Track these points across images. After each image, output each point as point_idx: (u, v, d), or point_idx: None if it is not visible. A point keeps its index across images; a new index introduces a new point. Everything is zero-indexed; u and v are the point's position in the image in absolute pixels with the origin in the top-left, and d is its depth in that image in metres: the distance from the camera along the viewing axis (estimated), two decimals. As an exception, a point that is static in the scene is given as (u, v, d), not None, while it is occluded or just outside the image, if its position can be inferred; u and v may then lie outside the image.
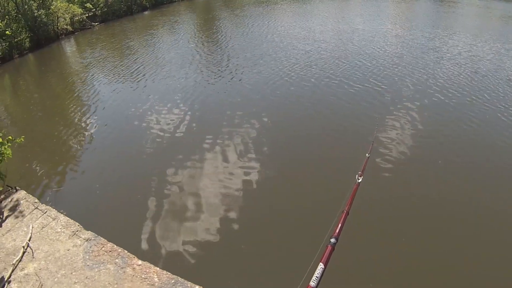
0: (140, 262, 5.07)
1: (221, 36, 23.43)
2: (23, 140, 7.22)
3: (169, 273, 4.88)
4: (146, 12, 36.28)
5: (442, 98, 11.90)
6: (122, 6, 33.62)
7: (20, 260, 5.06)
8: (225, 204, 7.42)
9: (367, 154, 4.74)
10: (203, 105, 12.35)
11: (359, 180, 3.91)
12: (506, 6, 32.93)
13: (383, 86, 12.88)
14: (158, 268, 4.98)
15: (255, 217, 7.08)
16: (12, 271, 4.86)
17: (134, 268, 4.94)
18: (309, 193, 7.63)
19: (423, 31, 22.07)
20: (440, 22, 25.67)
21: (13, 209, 6.20)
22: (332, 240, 2.92)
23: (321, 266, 2.66)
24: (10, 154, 6.82)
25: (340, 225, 3.12)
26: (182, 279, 4.77)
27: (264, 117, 11.00)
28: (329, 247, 2.85)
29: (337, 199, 4.25)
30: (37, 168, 9.23)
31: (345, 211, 3.30)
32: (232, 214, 7.13)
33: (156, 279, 4.76)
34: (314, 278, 2.57)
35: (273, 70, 15.22)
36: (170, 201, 7.58)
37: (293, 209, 7.18)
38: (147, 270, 4.92)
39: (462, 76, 13.92)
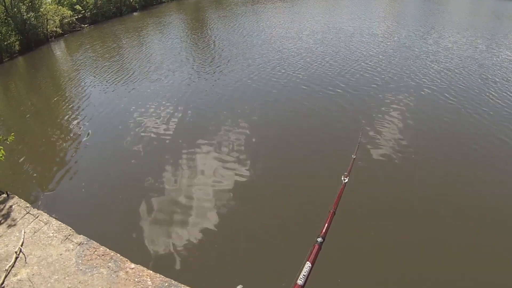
0: (133, 265, 5.11)
1: (205, 36, 23.72)
2: (13, 138, 7.09)
3: (162, 276, 4.93)
4: (135, 13, 36.25)
5: (431, 95, 12.07)
6: (111, 7, 33.55)
7: (13, 266, 5.07)
8: (214, 206, 7.47)
9: (352, 155, 4.80)
10: (190, 107, 12.36)
11: (345, 181, 3.97)
12: (495, 2, 33.14)
13: (364, 87, 12.87)
14: (151, 271, 5.02)
15: (245, 218, 7.15)
16: (5, 277, 4.87)
17: (127, 272, 4.98)
18: (297, 194, 7.68)
19: (407, 29, 22.25)
20: (425, 20, 25.88)
21: (4, 214, 6.20)
22: (319, 239, 2.97)
23: (308, 264, 2.72)
24: (3, 157, 6.73)
25: (327, 224, 3.17)
26: (176, 282, 4.82)
27: (253, 118, 11.08)
28: (316, 246, 2.90)
29: (324, 199, 4.31)
30: (28, 171, 9.19)
31: (331, 211, 3.37)
32: (222, 216, 7.18)
33: (149, 282, 4.80)
34: (301, 276, 2.63)
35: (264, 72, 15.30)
36: (161, 204, 7.62)
37: (281, 209, 7.25)
38: (140, 274, 4.96)
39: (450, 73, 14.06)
